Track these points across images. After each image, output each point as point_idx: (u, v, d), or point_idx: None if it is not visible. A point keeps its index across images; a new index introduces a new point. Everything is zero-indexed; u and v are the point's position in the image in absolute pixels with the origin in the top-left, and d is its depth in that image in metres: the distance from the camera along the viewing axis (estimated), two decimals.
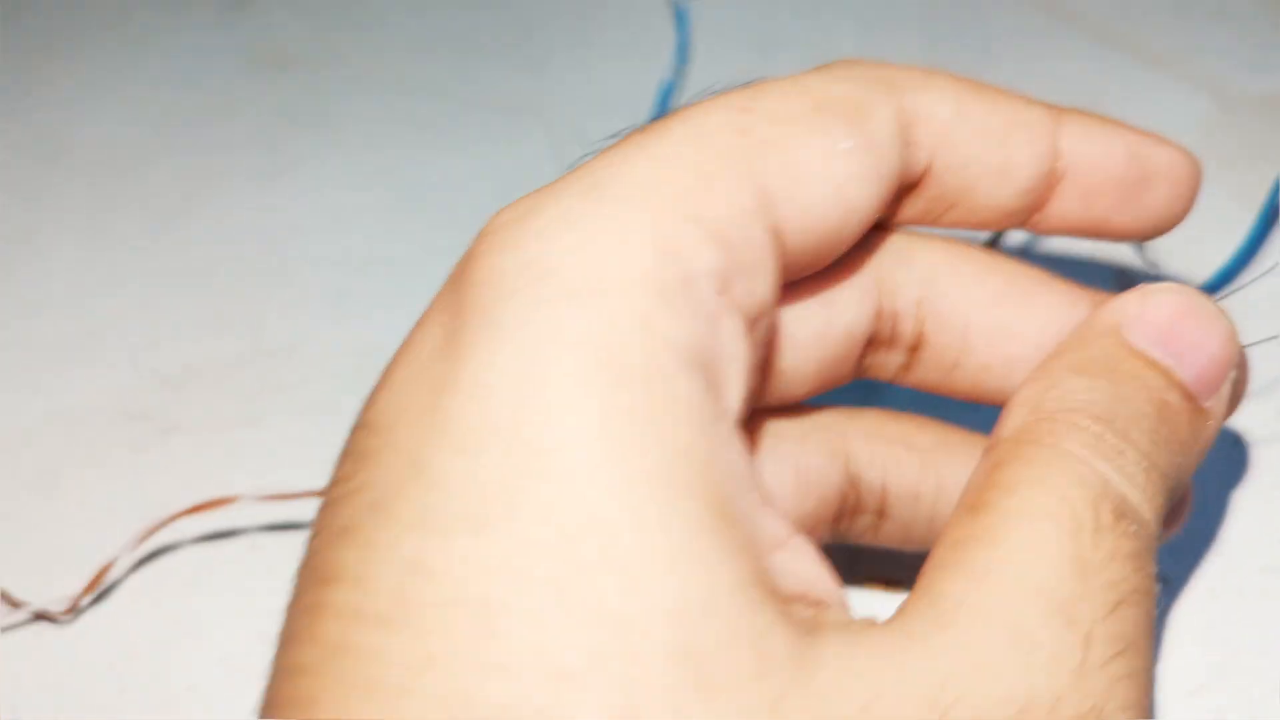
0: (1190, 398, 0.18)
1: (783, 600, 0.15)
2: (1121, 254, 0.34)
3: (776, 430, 0.21)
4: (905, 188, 0.19)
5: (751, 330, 0.16)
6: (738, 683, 0.13)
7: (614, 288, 0.15)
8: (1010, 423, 0.18)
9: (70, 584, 0.26)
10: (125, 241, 0.36)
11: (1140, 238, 0.21)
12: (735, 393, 0.16)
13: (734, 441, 0.15)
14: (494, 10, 0.47)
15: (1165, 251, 0.34)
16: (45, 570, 0.26)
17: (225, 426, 0.30)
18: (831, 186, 0.17)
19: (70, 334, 0.33)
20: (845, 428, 0.21)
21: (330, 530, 0.15)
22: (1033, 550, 0.16)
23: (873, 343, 0.20)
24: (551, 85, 0.43)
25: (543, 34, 0.45)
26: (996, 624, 0.15)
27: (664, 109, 0.40)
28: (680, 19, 0.42)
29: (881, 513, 0.22)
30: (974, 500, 0.17)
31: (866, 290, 0.20)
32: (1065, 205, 0.20)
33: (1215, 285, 0.32)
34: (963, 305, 0.20)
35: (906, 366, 0.21)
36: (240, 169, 0.39)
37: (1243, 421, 0.29)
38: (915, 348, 0.21)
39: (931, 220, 0.20)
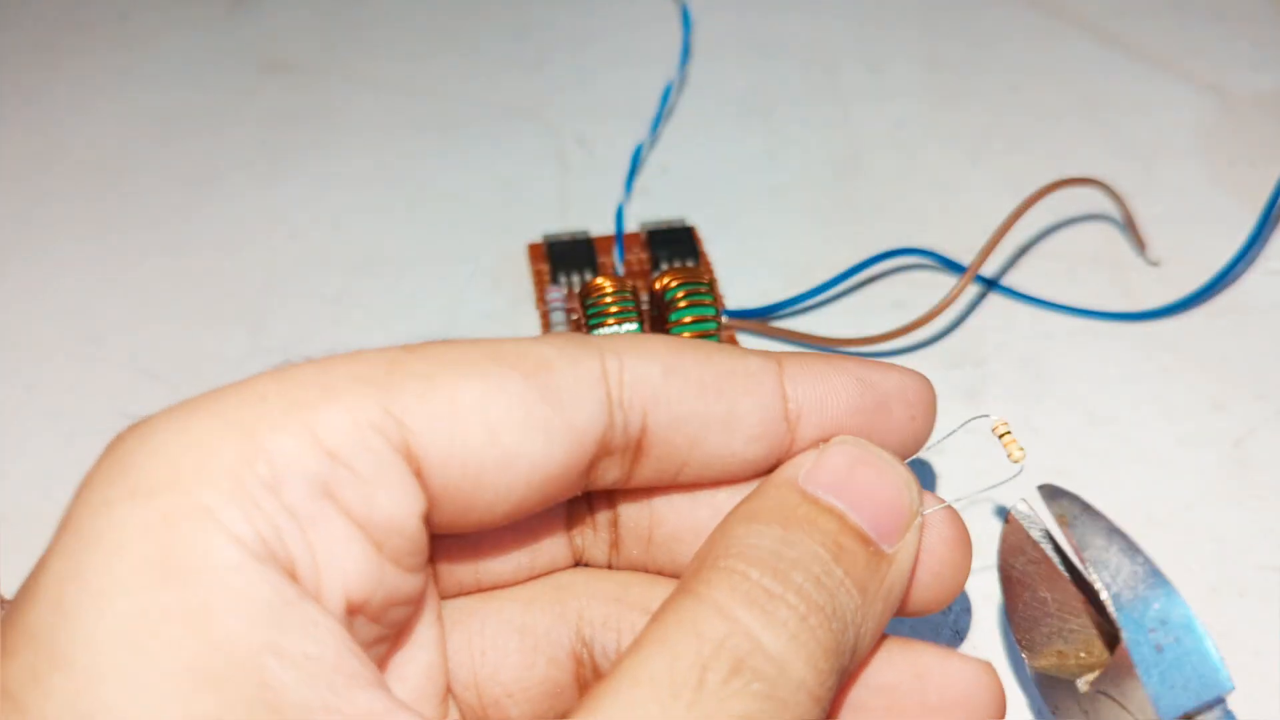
0: (867, 541, 0.18)
1: None
2: (1123, 257, 0.34)
3: (507, 593, 0.20)
4: (626, 449, 0.18)
5: (375, 534, 0.16)
6: None
7: (182, 485, 0.15)
8: (689, 568, 0.18)
9: None
10: (125, 242, 0.36)
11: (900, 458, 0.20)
12: (334, 587, 0.16)
13: (317, 631, 0.15)
14: (494, 11, 0.47)
15: (1166, 251, 0.34)
16: None
17: None
18: (481, 428, 0.16)
19: (70, 334, 0.33)
20: (582, 589, 0.20)
21: None
22: (631, 714, 0.15)
23: (570, 525, 0.21)
24: (551, 85, 0.43)
25: (543, 35, 0.45)
26: None
27: (664, 107, 0.40)
28: (685, 20, 0.42)
29: None
30: (624, 653, 0.16)
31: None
32: (806, 443, 0.19)
33: (1216, 283, 0.32)
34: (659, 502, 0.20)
35: (610, 551, 0.21)
36: (240, 169, 0.39)
37: (1242, 421, 0.29)
38: (615, 529, 0.21)
39: (670, 480, 0.19)
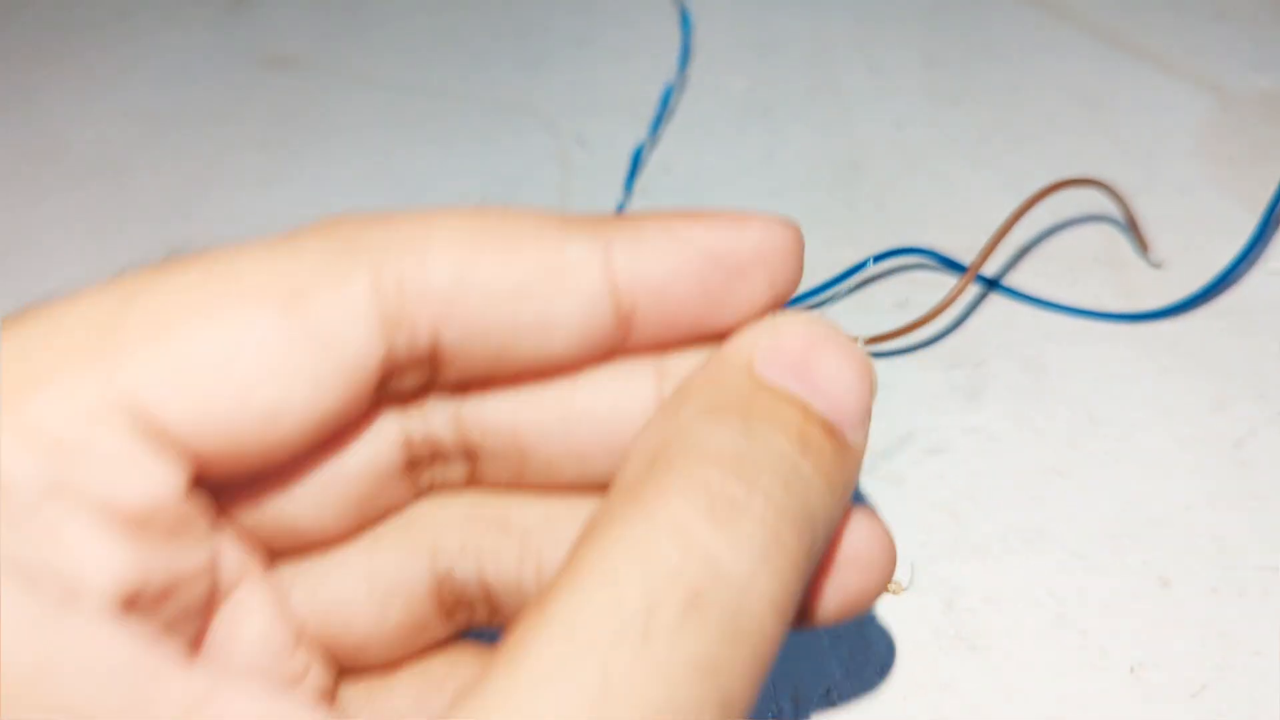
0: (833, 432, 0.16)
1: None
2: (1124, 257, 0.34)
3: (351, 544, 0.18)
4: (420, 363, 0.16)
5: (130, 518, 0.14)
6: None
7: None
8: (632, 464, 0.15)
9: None
10: (125, 241, 0.36)
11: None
12: (96, 585, 0.14)
13: (92, 639, 0.13)
14: (494, 10, 0.47)
15: (1168, 250, 0.34)
16: None
17: None
18: (229, 387, 0.14)
19: None
20: (432, 518, 0.18)
21: None
22: (559, 672, 0.13)
23: (415, 465, 0.18)
24: (551, 85, 0.43)
25: (542, 34, 0.45)
26: None
27: (664, 108, 0.40)
28: (685, 22, 0.42)
29: (493, 607, 0.18)
30: (552, 581, 0.14)
31: (383, 425, 0.17)
32: (649, 328, 0.17)
33: (1217, 284, 0.32)
34: (505, 410, 0.17)
35: (473, 475, 0.18)
36: (240, 169, 0.39)
37: (1243, 422, 0.29)
38: (472, 456, 0.18)
39: (481, 388, 0.17)
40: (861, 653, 0.24)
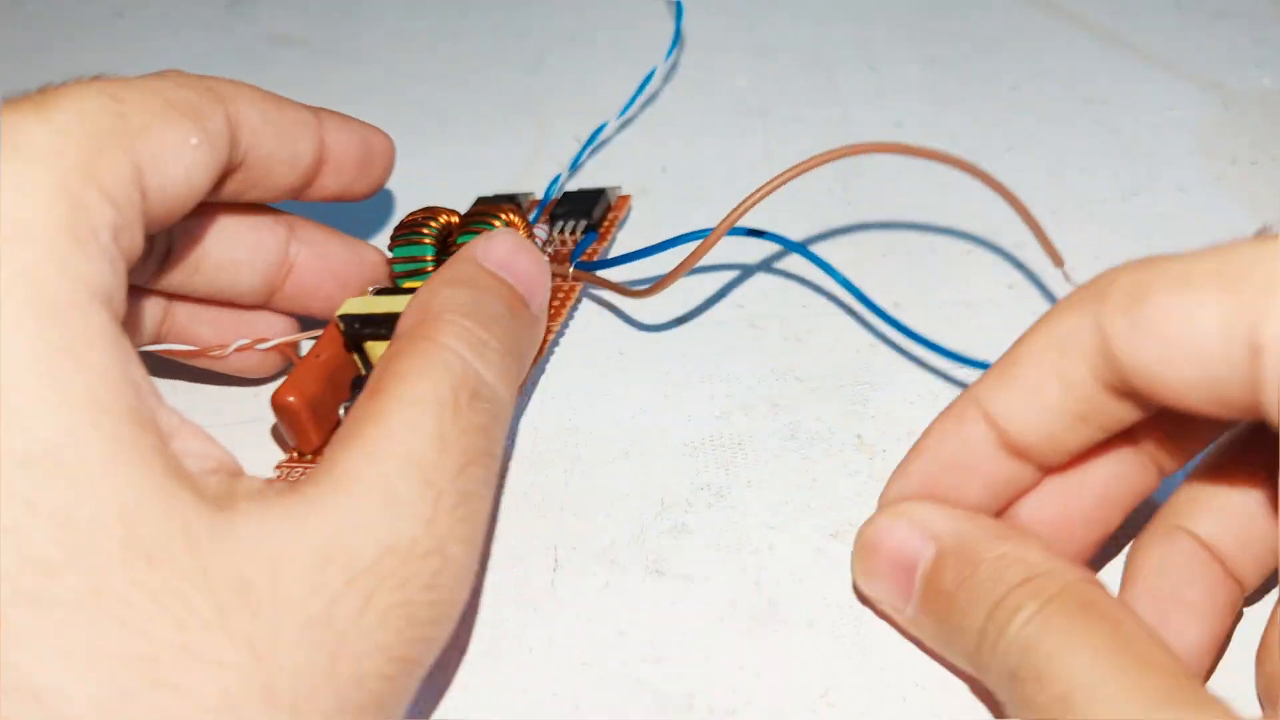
0: (525, 304, 0.26)
1: (197, 478, 0.19)
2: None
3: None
4: (228, 173, 0.24)
5: (128, 270, 0.20)
6: (173, 558, 0.17)
7: (37, 236, 0.18)
8: (406, 321, 0.24)
9: None
10: None
11: (364, 198, 0.29)
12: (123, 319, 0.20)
13: (134, 357, 0.19)
14: (492, 10, 0.47)
15: (1172, 248, 0.33)
16: None
17: (225, 424, 0.30)
18: (182, 170, 0.22)
19: None
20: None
21: None
22: (408, 428, 0.21)
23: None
24: (547, 83, 0.43)
25: (539, 33, 0.45)
26: (375, 489, 0.20)
27: (640, 93, 0.40)
28: (679, 11, 0.42)
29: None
30: (373, 385, 0.22)
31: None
32: (327, 180, 0.28)
33: None
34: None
35: (157, 274, 0.27)
36: None
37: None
38: (167, 255, 0.27)
39: (239, 195, 0.26)
40: (861, 652, 0.24)
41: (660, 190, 0.37)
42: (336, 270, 0.30)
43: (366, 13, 0.47)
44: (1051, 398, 0.22)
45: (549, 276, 0.27)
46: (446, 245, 0.30)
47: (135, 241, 0.20)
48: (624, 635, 0.25)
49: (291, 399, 0.27)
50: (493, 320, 0.24)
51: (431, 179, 0.38)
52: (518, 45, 0.45)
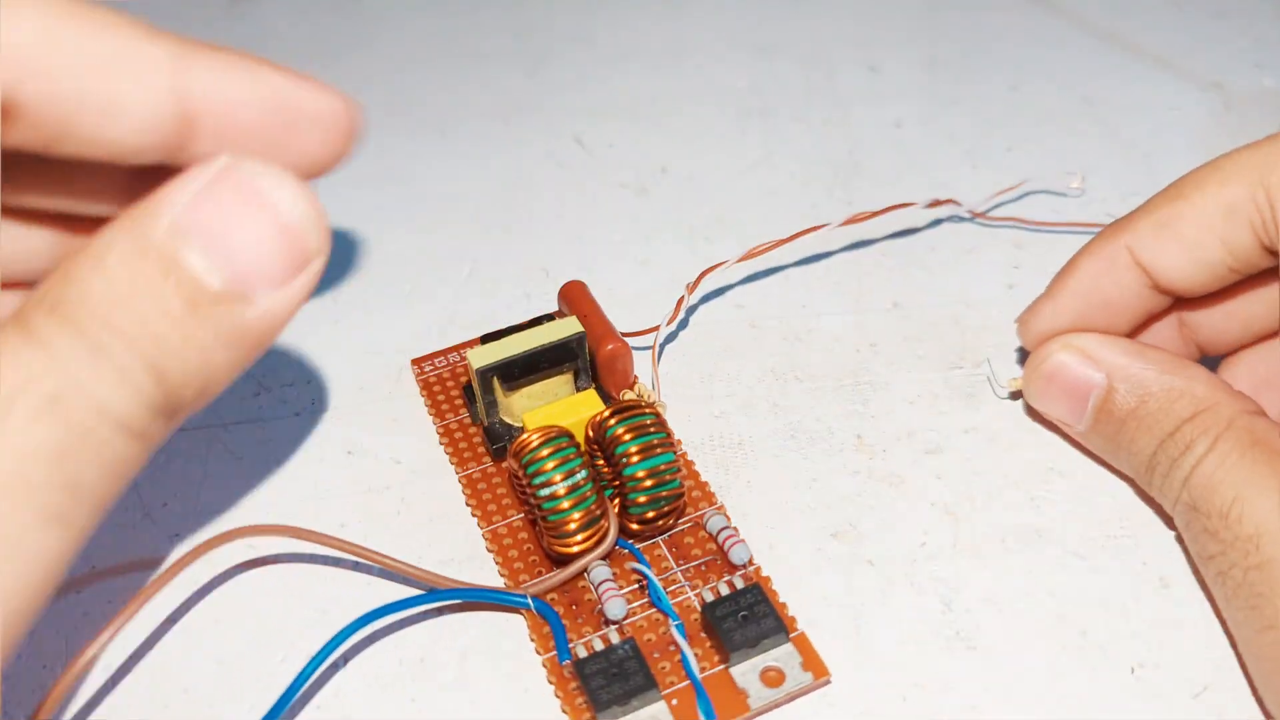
0: (225, 298, 0.18)
1: None
2: None
3: None
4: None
5: None
6: None
7: None
8: (28, 303, 0.17)
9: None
10: None
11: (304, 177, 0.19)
12: None
13: None
14: (493, 11, 0.47)
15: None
16: None
17: (223, 424, 0.30)
18: None
19: None
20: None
21: None
22: None
23: None
24: (549, 86, 0.43)
25: (542, 35, 0.45)
26: None
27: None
28: None
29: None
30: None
31: None
32: (206, 145, 0.19)
33: None
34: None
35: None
36: None
37: None
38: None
39: (47, 150, 0.18)
40: (861, 652, 0.24)
41: (660, 190, 0.37)
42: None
43: (367, 13, 0.47)
44: (1213, 255, 0.24)
45: (305, 244, 0.18)
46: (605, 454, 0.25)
47: None
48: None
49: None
50: (137, 323, 0.17)
51: (431, 180, 0.38)
52: (519, 49, 0.45)
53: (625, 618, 0.24)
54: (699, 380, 0.31)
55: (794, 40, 0.44)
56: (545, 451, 0.24)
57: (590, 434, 0.25)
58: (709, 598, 0.24)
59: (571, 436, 0.24)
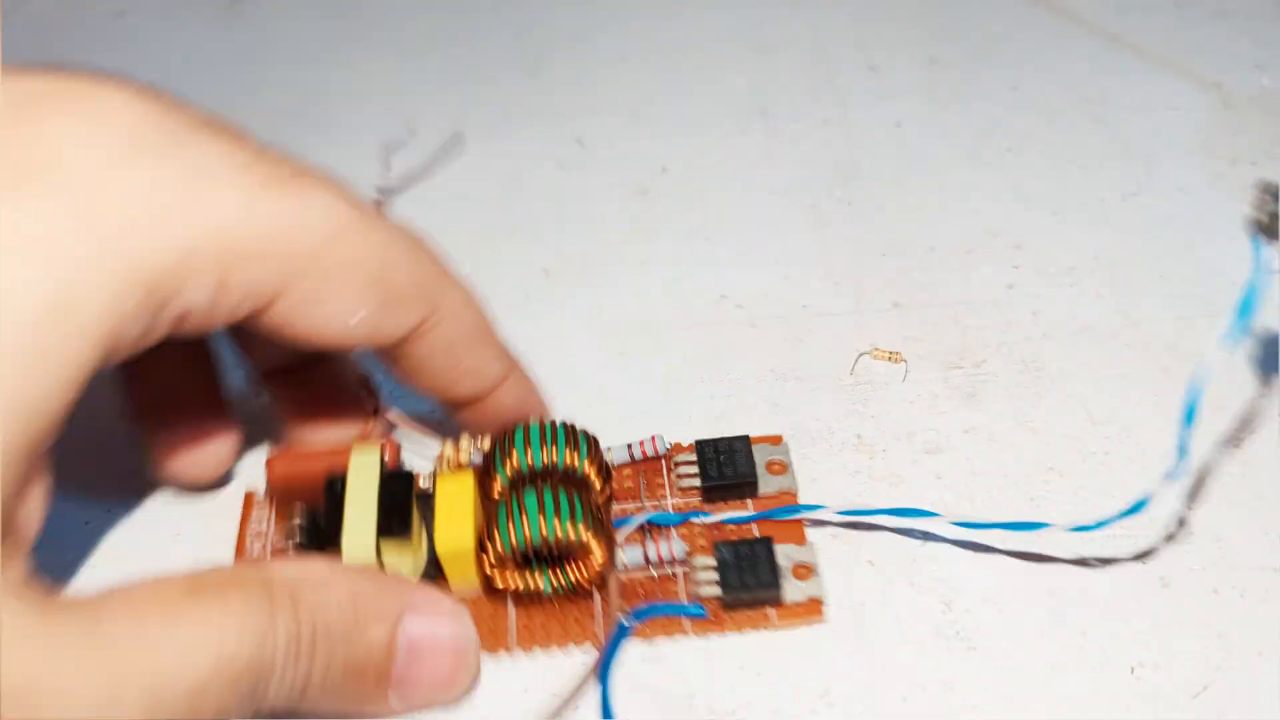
0: (385, 686, 0.22)
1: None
2: (1123, 258, 0.34)
3: None
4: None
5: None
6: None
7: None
8: (289, 572, 0.21)
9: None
10: None
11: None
12: None
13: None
14: (493, 11, 0.47)
15: (1172, 248, 0.34)
16: None
17: None
18: (321, 320, 0.23)
19: None
20: None
21: None
22: (175, 654, 0.18)
23: None
24: (549, 86, 0.43)
25: (542, 35, 0.45)
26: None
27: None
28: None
29: None
30: (197, 582, 0.20)
31: None
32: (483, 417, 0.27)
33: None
34: None
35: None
36: None
37: (1243, 420, 0.29)
38: None
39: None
40: (861, 653, 0.24)
41: (660, 190, 0.37)
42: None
43: (366, 13, 0.47)
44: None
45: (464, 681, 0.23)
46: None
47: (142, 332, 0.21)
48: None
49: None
50: (333, 667, 0.21)
51: (432, 180, 0.38)
52: (519, 49, 0.45)
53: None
54: (699, 380, 0.31)
55: (794, 40, 0.44)
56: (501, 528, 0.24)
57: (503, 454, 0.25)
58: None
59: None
